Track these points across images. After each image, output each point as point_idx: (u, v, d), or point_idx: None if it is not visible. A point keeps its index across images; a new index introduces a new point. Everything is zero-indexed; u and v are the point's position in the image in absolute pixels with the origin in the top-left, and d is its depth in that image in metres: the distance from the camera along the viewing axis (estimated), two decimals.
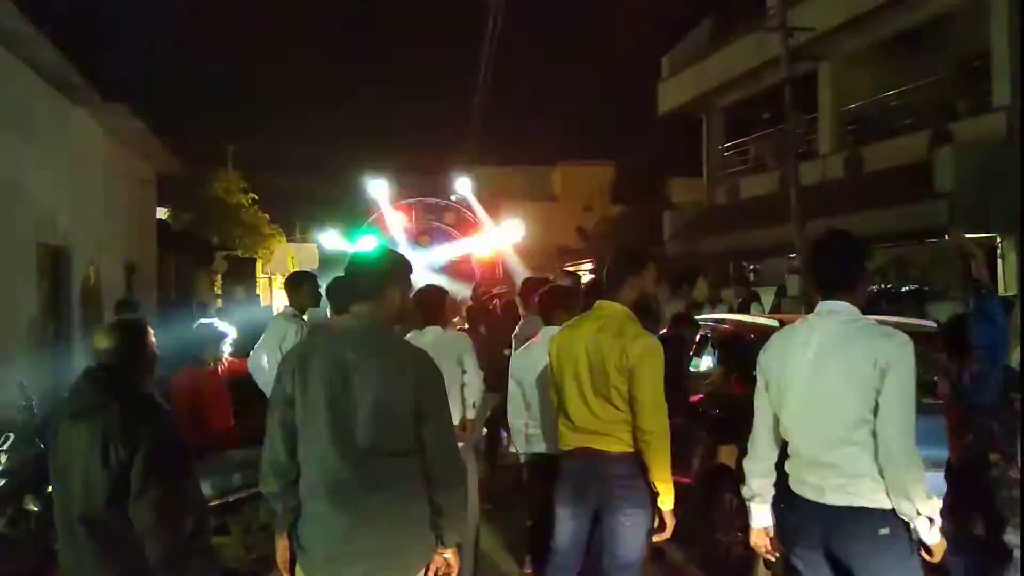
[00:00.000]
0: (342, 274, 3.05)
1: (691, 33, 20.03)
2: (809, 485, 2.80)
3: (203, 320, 5.83)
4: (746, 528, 4.60)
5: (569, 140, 28.26)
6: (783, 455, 2.96)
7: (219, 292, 21.17)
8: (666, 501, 3.45)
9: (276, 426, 2.74)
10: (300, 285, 5.65)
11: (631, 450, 3.44)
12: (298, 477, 2.75)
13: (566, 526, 3.62)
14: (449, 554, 2.81)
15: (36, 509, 4.29)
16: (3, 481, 4.32)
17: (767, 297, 13.03)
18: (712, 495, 5.09)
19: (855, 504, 2.69)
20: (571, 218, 24.84)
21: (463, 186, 14.50)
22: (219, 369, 5.64)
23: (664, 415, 3.38)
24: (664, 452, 3.39)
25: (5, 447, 4.40)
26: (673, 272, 18.27)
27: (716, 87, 18.47)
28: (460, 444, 3.29)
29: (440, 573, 2.83)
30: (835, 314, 2.82)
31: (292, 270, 14.76)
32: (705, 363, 6.28)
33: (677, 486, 5.16)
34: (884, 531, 2.66)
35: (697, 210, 20.28)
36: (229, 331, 5.61)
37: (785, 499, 2.92)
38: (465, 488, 2.90)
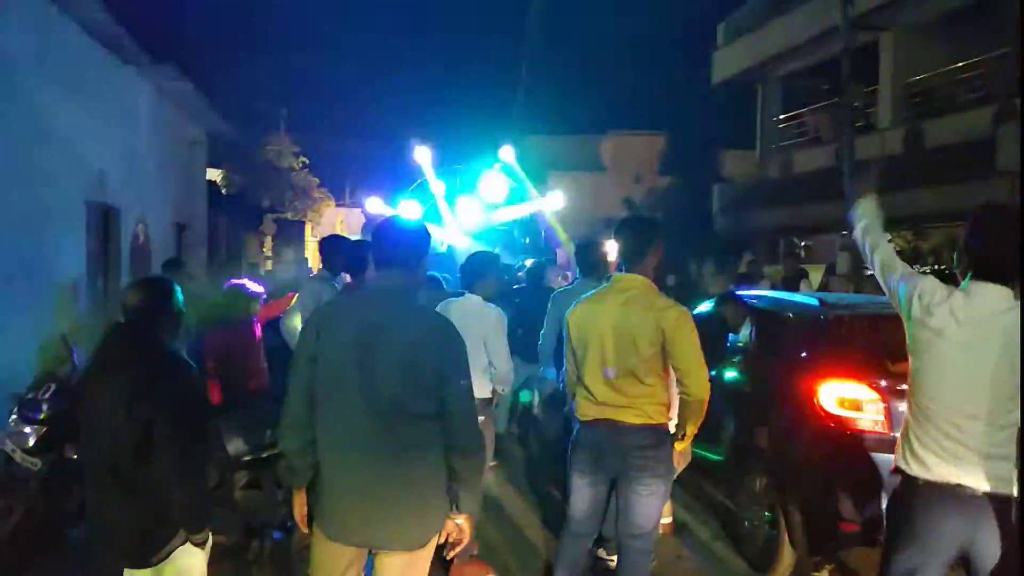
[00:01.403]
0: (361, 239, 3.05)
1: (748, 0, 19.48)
2: (981, 478, 2.63)
3: (234, 280, 5.93)
4: (772, 506, 4.59)
5: (619, 109, 27.74)
6: None
7: (268, 254, 21.56)
8: (685, 442, 3.53)
9: (298, 384, 2.75)
10: (332, 248, 5.70)
11: (652, 421, 3.44)
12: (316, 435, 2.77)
13: (583, 494, 3.63)
14: (462, 520, 2.83)
15: (75, 456, 4.43)
16: (45, 429, 4.46)
17: (816, 274, 12.73)
18: (740, 474, 5.03)
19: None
20: (620, 189, 24.55)
21: (507, 154, 14.43)
22: (254, 327, 5.75)
23: (707, 379, 3.39)
24: (701, 414, 3.42)
25: (47, 397, 4.53)
26: (720, 246, 18.01)
27: (773, 56, 17.94)
28: (481, 418, 3.30)
29: (452, 538, 2.85)
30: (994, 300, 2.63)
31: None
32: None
33: (705, 463, 5.15)
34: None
35: (748, 183, 19.86)
36: (259, 291, 5.71)
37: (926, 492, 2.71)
38: (484, 456, 2.90)
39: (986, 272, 2.67)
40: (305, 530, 2.87)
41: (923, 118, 14.13)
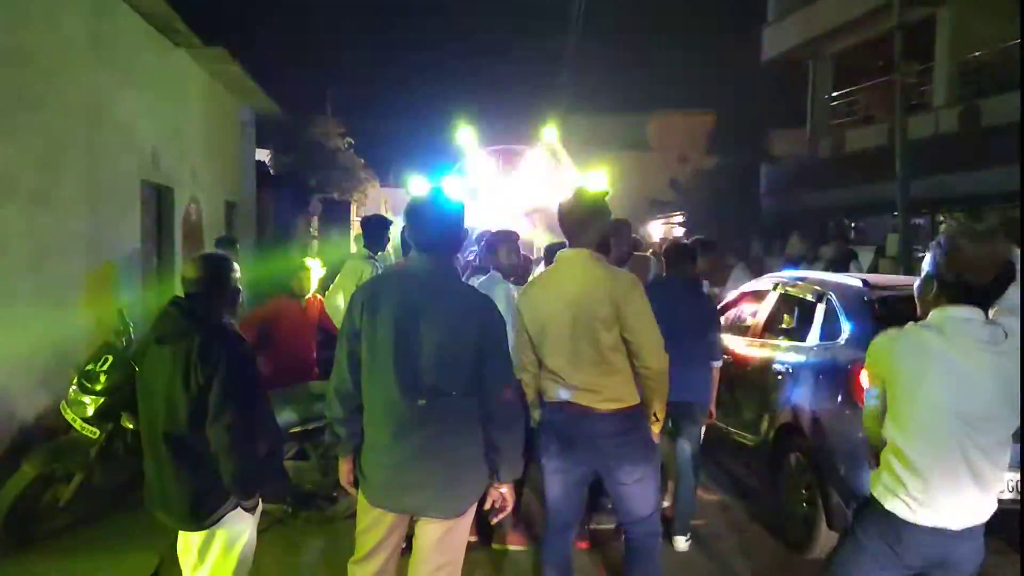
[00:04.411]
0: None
1: None
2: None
3: (308, 260, 6.14)
4: (810, 486, 4.59)
5: (665, 87, 27.29)
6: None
7: (315, 233, 21.82)
8: (659, 424, 3.37)
9: (344, 357, 2.89)
10: (373, 228, 5.85)
11: (623, 405, 3.27)
12: (362, 406, 2.89)
13: (555, 481, 3.44)
14: (505, 489, 2.96)
15: (132, 426, 4.60)
16: (103, 399, 4.64)
17: (866, 256, 12.48)
18: (778, 454, 5.03)
19: None
20: (665, 169, 24.29)
21: (549, 135, 14.39)
22: (306, 302, 5.91)
23: (662, 348, 3.22)
24: (665, 388, 3.28)
25: (105, 368, 4.70)
26: (767, 227, 17.76)
27: (825, 32, 17.55)
28: None
29: (496, 505, 2.99)
30: (971, 322, 2.28)
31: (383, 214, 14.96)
32: (786, 323, 6.11)
33: (742, 448, 5.14)
34: None
35: (797, 163, 19.50)
36: (316, 266, 5.89)
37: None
38: (522, 428, 2.99)
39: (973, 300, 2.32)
40: (352, 492, 3.02)
41: (980, 96, 13.71)
